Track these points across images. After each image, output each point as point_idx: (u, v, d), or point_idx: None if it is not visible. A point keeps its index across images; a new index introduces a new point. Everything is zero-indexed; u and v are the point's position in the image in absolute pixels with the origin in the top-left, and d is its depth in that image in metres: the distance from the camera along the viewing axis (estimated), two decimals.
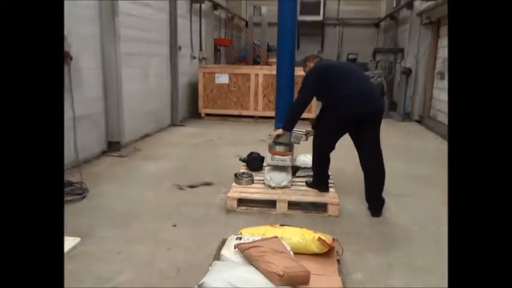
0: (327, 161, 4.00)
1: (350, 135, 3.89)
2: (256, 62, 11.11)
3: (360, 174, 3.97)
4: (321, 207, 3.99)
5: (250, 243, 2.54)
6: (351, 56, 12.92)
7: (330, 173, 4.20)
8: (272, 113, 4.60)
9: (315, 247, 2.79)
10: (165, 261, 2.89)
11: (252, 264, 2.39)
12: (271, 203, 3.95)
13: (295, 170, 4.46)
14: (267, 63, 10.16)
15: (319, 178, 4.03)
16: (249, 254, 2.43)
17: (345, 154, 5.02)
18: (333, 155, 4.06)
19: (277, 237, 2.68)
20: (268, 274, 2.26)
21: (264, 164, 4.66)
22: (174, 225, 3.57)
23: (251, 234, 2.86)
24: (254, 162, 4.67)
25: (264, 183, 4.22)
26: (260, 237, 2.67)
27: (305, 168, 4.47)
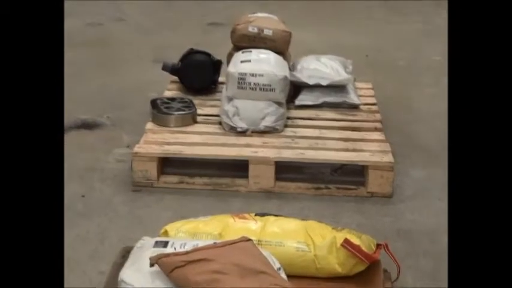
0: None
1: None
2: None
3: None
4: (352, 175, 4.06)
5: (187, 253, 2.54)
6: None
7: None
8: None
9: (335, 262, 2.84)
10: None
11: None
12: (238, 168, 4.02)
13: (293, 90, 4.52)
14: None
15: None
16: (184, 278, 2.44)
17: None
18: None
19: (250, 240, 2.69)
20: None
21: (221, 79, 4.71)
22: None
23: (190, 234, 2.89)
24: (197, 74, 4.74)
25: (220, 123, 4.29)
26: (212, 242, 2.69)
27: (317, 86, 4.53)
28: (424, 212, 3.82)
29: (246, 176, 3.97)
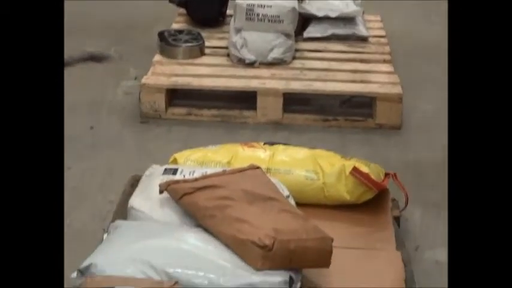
0: None
1: None
2: None
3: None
4: (360, 107, 4.07)
5: (196, 180, 2.56)
6: None
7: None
8: None
9: (344, 189, 2.87)
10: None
11: (199, 226, 2.44)
12: (246, 100, 4.03)
13: (302, 23, 4.50)
14: None
15: None
16: (193, 204, 2.47)
17: None
18: None
19: (258, 167, 2.72)
20: (237, 246, 2.31)
21: (229, 12, 4.67)
22: None
23: (199, 162, 2.90)
24: (205, 6, 4.71)
25: (228, 55, 4.29)
26: (220, 169, 2.71)
27: (326, 18, 4.50)
28: (432, 145, 3.82)
29: (254, 108, 3.98)
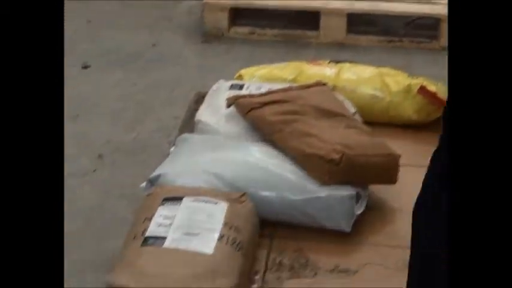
0: None
1: None
2: None
3: None
4: (425, 28, 4.02)
5: (262, 95, 2.59)
6: None
7: None
8: None
9: (410, 109, 2.87)
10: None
11: (266, 140, 2.48)
12: (308, 20, 3.99)
13: None
14: None
15: None
16: (260, 119, 2.51)
17: None
18: None
19: (325, 84, 2.73)
20: (304, 160, 2.35)
21: None
22: (86, 67, 3.70)
23: (265, 79, 2.92)
24: None
25: None
26: (287, 85, 2.74)
27: None
28: None
29: (317, 28, 3.93)
